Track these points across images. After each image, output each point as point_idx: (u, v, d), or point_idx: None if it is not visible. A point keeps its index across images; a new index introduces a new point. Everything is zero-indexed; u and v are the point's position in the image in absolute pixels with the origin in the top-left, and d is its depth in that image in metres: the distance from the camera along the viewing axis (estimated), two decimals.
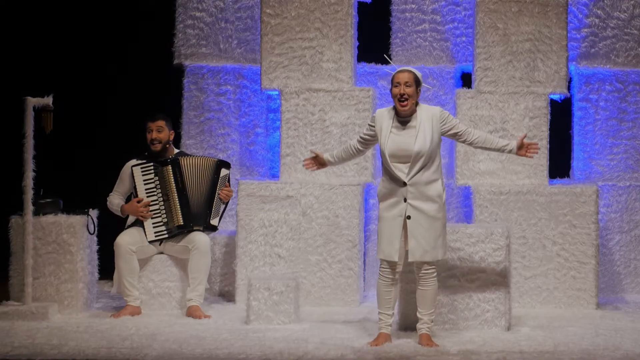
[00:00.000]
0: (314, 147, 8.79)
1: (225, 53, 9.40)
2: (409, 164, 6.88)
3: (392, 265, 6.98)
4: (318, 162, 7.36)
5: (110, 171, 8.37)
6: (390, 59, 7.44)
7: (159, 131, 8.17)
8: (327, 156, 7.34)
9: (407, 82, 6.93)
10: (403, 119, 6.96)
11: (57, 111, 7.92)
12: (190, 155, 8.34)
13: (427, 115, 6.96)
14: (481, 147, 7.09)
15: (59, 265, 8.05)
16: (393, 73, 7.03)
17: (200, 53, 9.39)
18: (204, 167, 8.20)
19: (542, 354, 6.77)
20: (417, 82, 6.98)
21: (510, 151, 7.05)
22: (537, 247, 8.62)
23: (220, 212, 8.25)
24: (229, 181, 8.30)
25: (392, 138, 6.92)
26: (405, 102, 6.91)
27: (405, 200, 6.90)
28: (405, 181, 6.87)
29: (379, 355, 6.71)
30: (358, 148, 7.20)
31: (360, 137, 7.17)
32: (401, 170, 6.88)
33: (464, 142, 7.08)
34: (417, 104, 6.99)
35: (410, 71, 7.00)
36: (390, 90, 7.00)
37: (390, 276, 7.00)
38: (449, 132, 7.01)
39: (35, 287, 8.00)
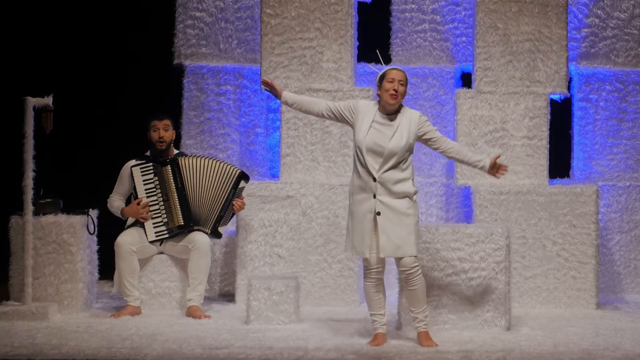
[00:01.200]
0: (314, 147, 8.80)
1: (225, 53, 9.40)
2: (381, 160, 6.91)
3: (369, 263, 6.99)
4: (274, 93, 7.21)
5: (110, 171, 8.37)
6: (381, 57, 7.43)
7: (166, 130, 8.17)
8: (287, 95, 7.18)
9: (401, 80, 6.99)
10: (385, 115, 7.00)
11: (57, 111, 7.92)
12: (195, 156, 8.31)
13: (407, 117, 7.02)
14: (453, 158, 7.15)
15: (59, 265, 8.05)
16: (384, 70, 7.06)
17: (200, 53, 9.39)
18: (219, 172, 8.17)
19: (542, 354, 6.77)
20: (406, 85, 7.06)
21: (481, 168, 7.10)
22: (537, 247, 8.62)
23: (228, 221, 8.27)
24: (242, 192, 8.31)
25: (371, 132, 6.95)
26: (396, 98, 6.96)
27: (374, 196, 6.92)
28: (375, 177, 6.90)
29: (379, 355, 6.71)
30: (323, 113, 7.13)
31: (335, 107, 7.10)
32: (372, 166, 6.91)
33: (437, 149, 7.11)
34: (401, 105, 7.04)
35: (404, 72, 7.08)
36: (380, 84, 7.02)
37: (374, 276, 7.01)
38: (423, 137, 7.05)
39: (35, 287, 7.99)
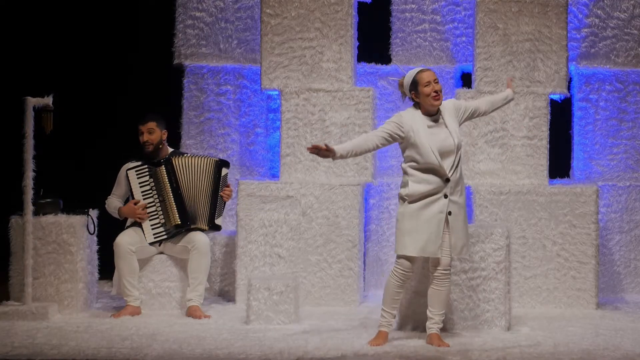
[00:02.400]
0: None
1: (225, 53, 9.40)
2: (453, 158, 6.93)
3: (414, 265, 6.98)
4: (323, 154, 6.93)
5: (111, 171, 8.37)
6: (388, 63, 7.45)
7: (150, 133, 8.17)
8: (340, 149, 6.93)
9: (436, 79, 7.01)
10: (430, 117, 7.00)
11: (57, 111, 7.92)
12: (186, 154, 8.33)
13: (446, 112, 7.04)
14: (493, 111, 7.39)
15: (59, 265, 8.05)
16: (412, 75, 7.01)
17: (200, 53, 9.39)
18: (202, 166, 8.20)
19: (542, 354, 6.77)
20: None
21: (512, 99, 7.46)
22: (537, 247, 8.62)
23: (222, 212, 8.27)
24: (227, 180, 8.31)
25: (431, 137, 6.94)
26: (440, 99, 6.99)
27: (446, 196, 6.93)
28: (449, 177, 6.91)
29: (379, 355, 6.71)
30: (379, 145, 7.02)
31: (387, 134, 6.97)
32: (444, 167, 6.92)
33: (482, 114, 7.31)
34: None
35: (432, 70, 7.10)
36: (415, 91, 6.97)
37: (407, 277, 6.99)
38: (465, 117, 7.15)
39: (35, 287, 7.99)
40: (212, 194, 8.19)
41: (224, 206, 8.31)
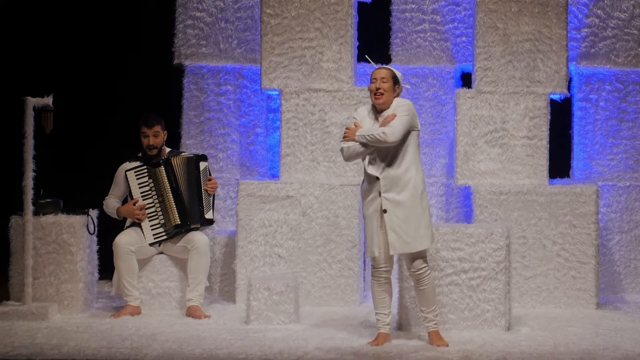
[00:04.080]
0: (314, 147, 8.80)
1: (225, 53, 9.40)
2: (381, 156, 6.94)
3: (377, 262, 6.99)
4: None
5: (110, 171, 8.37)
6: (372, 60, 7.48)
7: (156, 136, 8.18)
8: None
9: (383, 77, 7.03)
10: (379, 114, 7.03)
11: (57, 111, 7.92)
12: (182, 153, 8.32)
13: (392, 109, 7.03)
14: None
15: (59, 265, 8.05)
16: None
17: (200, 53, 9.39)
18: (186, 164, 8.19)
19: (542, 354, 6.77)
20: (395, 80, 7.06)
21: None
22: (537, 247, 8.62)
23: (211, 205, 8.24)
24: (210, 173, 8.29)
25: None
26: (380, 96, 7.00)
27: (380, 194, 6.93)
28: (377, 175, 6.92)
29: (379, 355, 6.71)
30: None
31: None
32: (376, 164, 6.93)
33: None
34: (396, 99, 7.05)
35: (387, 68, 7.12)
36: (369, 87, 7.07)
37: (381, 275, 7.01)
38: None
39: (35, 287, 8.00)
40: (197, 189, 8.17)
41: (213, 199, 8.28)
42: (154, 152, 8.18)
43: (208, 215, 8.19)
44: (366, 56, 7.75)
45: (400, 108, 6.96)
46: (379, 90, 7.00)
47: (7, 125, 8.88)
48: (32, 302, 7.92)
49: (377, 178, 6.94)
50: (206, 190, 8.20)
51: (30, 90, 7.94)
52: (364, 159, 7.01)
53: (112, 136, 9.76)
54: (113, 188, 8.27)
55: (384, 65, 7.32)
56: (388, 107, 7.03)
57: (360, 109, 7.15)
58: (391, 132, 6.84)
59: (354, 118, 7.12)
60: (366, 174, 7.00)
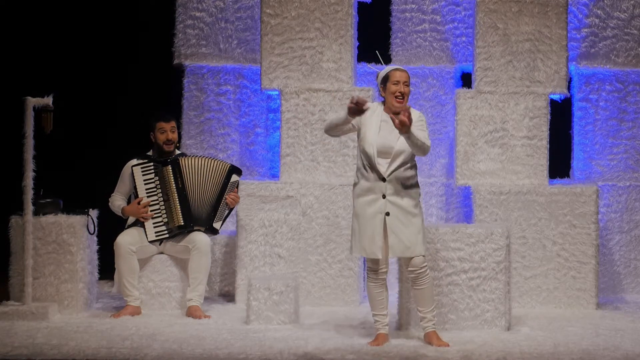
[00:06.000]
0: (314, 147, 8.80)
1: (225, 53, 9.40)
2: (389, 160, 6.92)
3: (376, 264, 6.98)
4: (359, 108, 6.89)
5: (111, 171, 8.37)
6: (382, 58, 7.44)
7: (173, 131, 8.18)
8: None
9: (406, 82, 7.01)
10: (385, 113, 7.00)
11: (57, 111, 7.92)
12: (195, 156, 8.32)
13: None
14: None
15: (59, 265, 8.05)
16: (387, 70, 7.05)
17: (200, 53, 9.40)
18: (213, 169, 8.18)
19: (542, 354, 6.77)
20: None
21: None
22: (537, 247, 8.62)
23: (224, 217, 8.24)
24: (237, 187, 8.29)
25: (378, 132, 6.95)
26: (402, 101, 6.97)
27: (384, 196, 6.92)
28: (385, 177, 6.90)
29: (379, 355, 6.71)
30: (350, 127, 7.01)
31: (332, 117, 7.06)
32: (382, 166, 6.92)
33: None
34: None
35: (407, 71, 7.08)
36: (384, 86, 7.01)
37: (380, 277, 7.01)
38: None
39: (35, 287, 7.99)
40: (217, 197, 8.18)
41: (228, 212, 8.28)
42: (171, 147, 8.16)
43: (216, 225, 8.19)
44: (377, 52, 7.73)
45: (419, 123, 6.93)
46: (402, 94, 6.96)
47: (7, 125, 8.88)
48: (32, 302, 7.92)
49: (384, 180, 6.94)
50: (226, 202, 8.20)
51: (30, 90, 7.94)
52: (368, 158, 6.92)
53: (113, 136, 9.76)
54: (119, 185, 8.26)
55: (399, 66, 7.21)
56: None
57: (369, 105, 6.97)
58: (429, 148, 6.92)
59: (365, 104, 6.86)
60: (367, 174, 6.97)
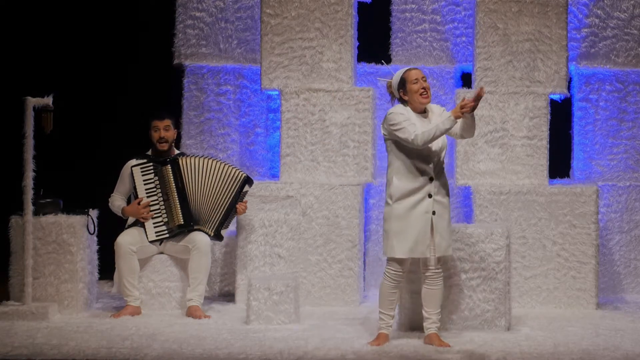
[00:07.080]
0: (314, 147, 8.80)
1: (225, 53, 9.40)
2: (436, 159, 6.94)
3: (403, 264, 6.97)
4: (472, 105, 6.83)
5: (111, 171, 8.37)
6: (388, 63, 7.44)
7: (167, 130, 8.18)
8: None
9: (423, 77, 7.00)
10: (420, 115, 6.99)
11: (57, 111, 7.92)
12: (197, 156, 8.31)
13: (434, 112, 7.03)
14: (462, 137, 7.09)
15: (59, 265, 8.05)
16: (400, 74, 7.01)
17: (200, 53, 9.39)
18: (223, 173, 8.17)
19: (542, 354, 6.77)
20: None
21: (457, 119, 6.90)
22: (537, 247, 8.62)
23: (229, 225, 8.30)
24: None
25: None
26: (427, 95, 6.96)
27: (430, 196, 6.92)
28: (433, 176, 6.92)
29: (379, 355, 6.71)
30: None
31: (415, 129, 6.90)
32: (429, 166, 6.93)
33: (452, 136, 7.10)
34: None
35: (419, 68, 7.09)
36: (403, 90, 6.96)
37: (400, 278, 7.00)
38: None
39: (35, 287, 8.00)
40: (229, 205, 8.18)
41: (234, 220, 8.33)
42: (165, 146, 8.16)
43: (223, 232, 8.22)
44: (382, 62, 7.77)
45: (445, 113, 6.94)
46: (427, 89, 6.95)
47: (7, 125, 8.88)
48: (32, 302, 7.93)
49: (431, 179, 6.93)
50: (236, 210, 8.21)
51: (30, 90, 7.94)
52: (419, 158, 6.89)
53: (113, 136, 9.76)
54: (118, 185, 8.27)
55: (410, 67, 7.17)
56: (425, 109, 7.01)
57: (400, 109, 6.93)
58: None
59: (408, 119, 6.86)
60: (413, 175, 6.89)
